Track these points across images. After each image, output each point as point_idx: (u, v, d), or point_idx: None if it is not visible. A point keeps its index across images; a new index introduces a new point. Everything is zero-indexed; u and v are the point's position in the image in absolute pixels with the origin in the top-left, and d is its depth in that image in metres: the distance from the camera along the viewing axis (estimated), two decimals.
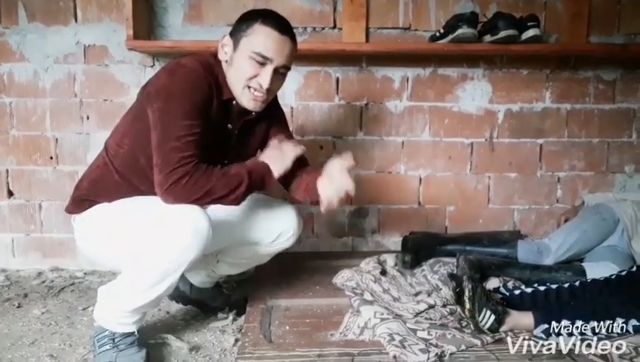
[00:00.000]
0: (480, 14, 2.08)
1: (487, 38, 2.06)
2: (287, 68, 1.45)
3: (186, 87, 1.36)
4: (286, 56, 1.42)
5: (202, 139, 1.36)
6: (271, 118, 1.64)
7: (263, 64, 1.40)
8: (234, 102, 1.47)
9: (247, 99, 1.44)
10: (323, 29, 2.21)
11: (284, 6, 2.16)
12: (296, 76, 2.22)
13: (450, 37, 2.03)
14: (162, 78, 1.39)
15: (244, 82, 1.42)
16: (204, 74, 1.40)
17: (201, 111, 1.37)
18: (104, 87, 2.18)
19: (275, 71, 1.42)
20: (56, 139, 2.20)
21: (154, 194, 1.37)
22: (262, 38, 1.39)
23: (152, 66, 2.18)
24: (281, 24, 1.42)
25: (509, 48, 2.07)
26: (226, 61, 1.45)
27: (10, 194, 2.23)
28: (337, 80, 2.25)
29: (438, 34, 2.10)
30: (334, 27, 2.21)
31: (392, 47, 2.17)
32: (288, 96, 2.22)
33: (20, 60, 2.17)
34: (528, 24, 2.02)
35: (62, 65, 2.17)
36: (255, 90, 1.42)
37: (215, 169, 1.36)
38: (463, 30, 1.99)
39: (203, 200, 1.34)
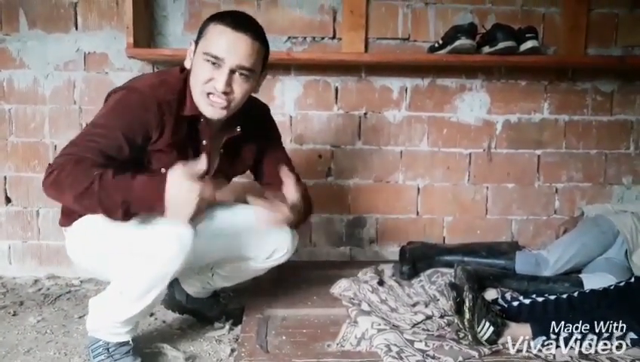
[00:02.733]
0: (479, 26, 2.09)
1: (486, 49, 2.07)
2: (247, 69, 1.32)
3: (119, 106, 1.33)
4: (242, 56, 1.30)
5: (126, 156, 1.31)
6: (262, 137, 1.58)
7: (217, 65, 1.30)
8: (201, 118, 1.39)
9: (205, 105, 1.34)
10: (323, 38, 2.22)
11: (284, 16, 2.18)
12: (295, 85, 2.23)
13: (449, 48, 2.04)
14: (112, 94, 1.40)
15: (201, 87, 1.32)
16: (152, 94, 1.33)
17: (136, 130, 1.31)
18: (104, 94, 2.11)
19: (233, 72, 1.31)
20: (55, 146, 2.20)
21: None
22: (214, 37, 1.31)
23: None
24: (237, 22, 1.31)
25: (508, 59, 2.08)
26: (190, 69, 1.38)
27: (8, 200, 2.23)
28: (336, 89, 2.25)
29: (436, 45, 2.11)
30: (334, 37, 2.22)
31: (391, 58, 2.18)
32: (287, 105, 2.23)
33: (20, 67, 2.17)
34: (526, 36, 2.03)
35: (62, 72, 2.17)
36: (212, 95, 1.33)
37: (99, 178, 1.19)
38: (462, 41, 2.00)
39: (75, 201, 1.22)
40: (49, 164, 1.28)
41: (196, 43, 1.37)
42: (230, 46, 1.30)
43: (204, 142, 1.44)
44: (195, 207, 1.19)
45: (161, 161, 1.37)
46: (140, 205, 1.21)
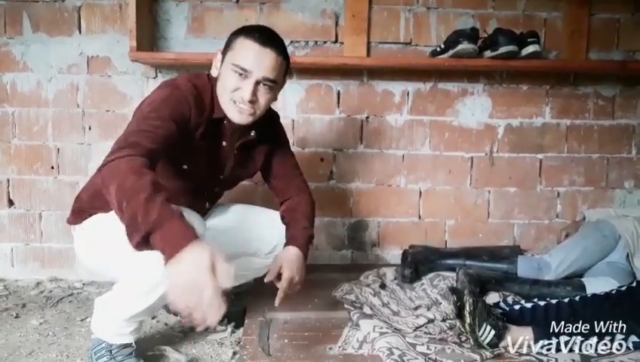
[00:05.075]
0: (480, 30, 2.10)
1: (488, 53, 2.07)
2: (271, 81, 1.42)
3: (168, 100, 1.37)
4: (267, 69, 1.40)
5: (184, 153, 1.38)
6: (273, 141, 1.66)
7: (244, 76, 1.39)
8: (225, 121, 1.47)
9: (233, 111, 1.43)
10: (325, 43, 2.23)
11: (286, 20, 2.19)
12: (297, 89, 2.24)
13: (451, 52, 2.05)
14: (153, 93, 1.44)
15: (229, 95, 1.42)
16: (191, 94, 1.41)
17: (181, 123, 1.36)
18: (107, 97, 2.19)
19: (258, 83, 1.40)
20: (58, 149, 2.21)
21: None
22: (242, 51, 1.40)
23: (154, 78, 2.19)
24: (264, 37, 1.41)
25: (509, 64, 2.08)
26: (216, 77, 1.47)
27: (11, 203, 2.23)
28: (338, 93, 2.26)
29: (438, 49, 2.11)
30: (336, 41, 2.22)
31: (393, 62, 2.19)
32: (290, 109, 2.24)
33: (24, 70, 2.18)
34: (528, 40, 2.04)
35: (65, 75, 2.18)
36: (239, 103, 1.42)
37: (152, 188, 1.11)
38: (464, 46, 2.01)
39: (115, 197, 1.13)
40: (113, 149, 1.24)
41: (223, 53, 1.46)
42: (257, 60, 1.39)
43: (224, 143, 1.52)
44: (191, 297, 1.03)
45: (184, 157, 1.45)
46: (160, 240, 1.08)
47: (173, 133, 1.33)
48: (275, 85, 1.44)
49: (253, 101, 1.41)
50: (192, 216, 1.37)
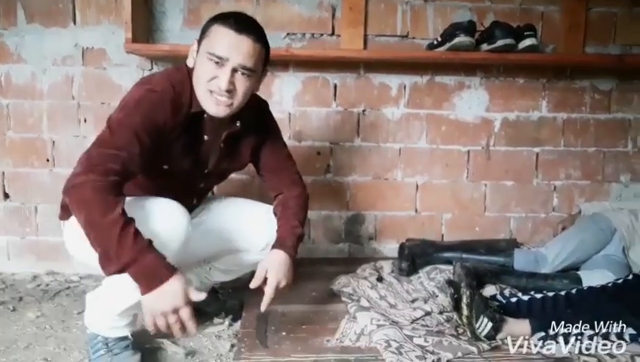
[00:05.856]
0: (477, 23, 2.09)
1: (485, 46, 2.07)
2: (248, 69, 1.35)
3: (142, 103, 1.34)
4: (244, 56, 1.33)
5: (151, 158, 1.35)
6: (262, 131, 1.60)
7: (220, 64, 1.33)
8: (205, 114, 1.42)
9: (210, 103, 1.37)
10: (322, 35, 2.22)
11: (283, 12, 2.18)
12: (294, 82, 2.23)
13: (448, 45, 2.05)
14: (128, 94, 1.39)
15: (205, 85, 1.36)
16: (169, 97, 1.36)
17: (154, 130, 1.33)
18: (102, 89, 2.18)
19: (235, 71, 1.35)
20: (53, 141, 2.19)
21: (138, 195, 1.39)
22: (217, 38, 1.34)
23: (150, 70, 2.17)
24: (239, 24, 1.35)
25: (506, 57, 2.08)
26: (192, 67, 1.41)
27: (6, 196, 2.22)
28: (335, 86, 2.25)
29: (435, 42, 2.11)
30: (333, 34, 2.21)
31: (390, 55, 2.18)
32: (286, 102, 2.23)
33: (18, 62, 2.16)
34: (525, 34, 2.04)
35: (60, 67, 2.16)
36: (216, 93, 1.36)
37: (122, 224, 1.18)
38: (461, 39, 2.01)
39: (85, 226, 1.21)
40: (78, 163, 1.27)
41: (199, 42, 1.40)
42: (233, 47, 1.33)
43: (205, 137, 1.47)
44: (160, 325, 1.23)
45: (162, 158, 1.41)
46: (136, 274, 1.20)
47: (144, 146, 1.31)
48: (253, 73, 1.38)
49: (230, 90, 1.35)
50: (177, 211, 1.37)
